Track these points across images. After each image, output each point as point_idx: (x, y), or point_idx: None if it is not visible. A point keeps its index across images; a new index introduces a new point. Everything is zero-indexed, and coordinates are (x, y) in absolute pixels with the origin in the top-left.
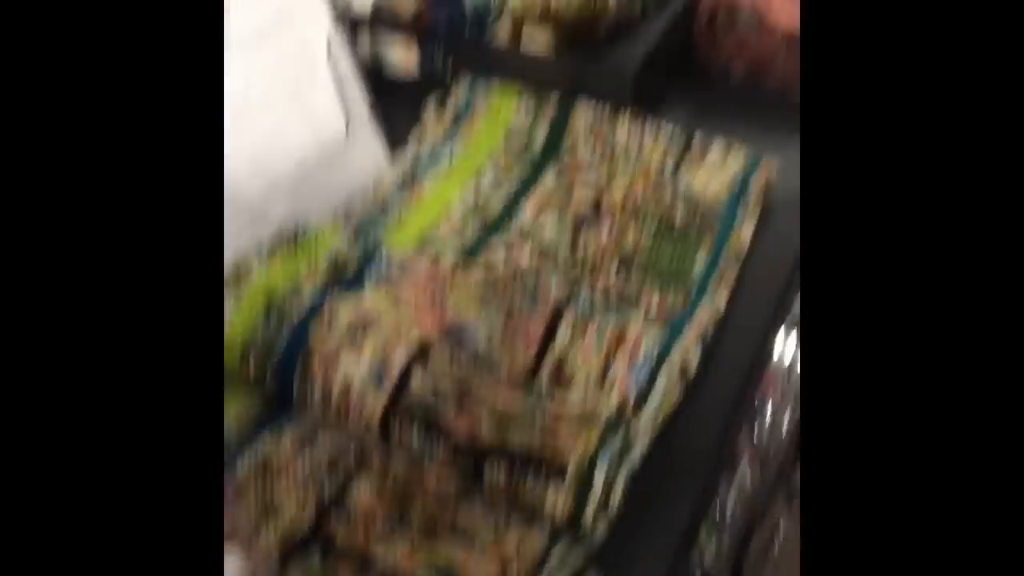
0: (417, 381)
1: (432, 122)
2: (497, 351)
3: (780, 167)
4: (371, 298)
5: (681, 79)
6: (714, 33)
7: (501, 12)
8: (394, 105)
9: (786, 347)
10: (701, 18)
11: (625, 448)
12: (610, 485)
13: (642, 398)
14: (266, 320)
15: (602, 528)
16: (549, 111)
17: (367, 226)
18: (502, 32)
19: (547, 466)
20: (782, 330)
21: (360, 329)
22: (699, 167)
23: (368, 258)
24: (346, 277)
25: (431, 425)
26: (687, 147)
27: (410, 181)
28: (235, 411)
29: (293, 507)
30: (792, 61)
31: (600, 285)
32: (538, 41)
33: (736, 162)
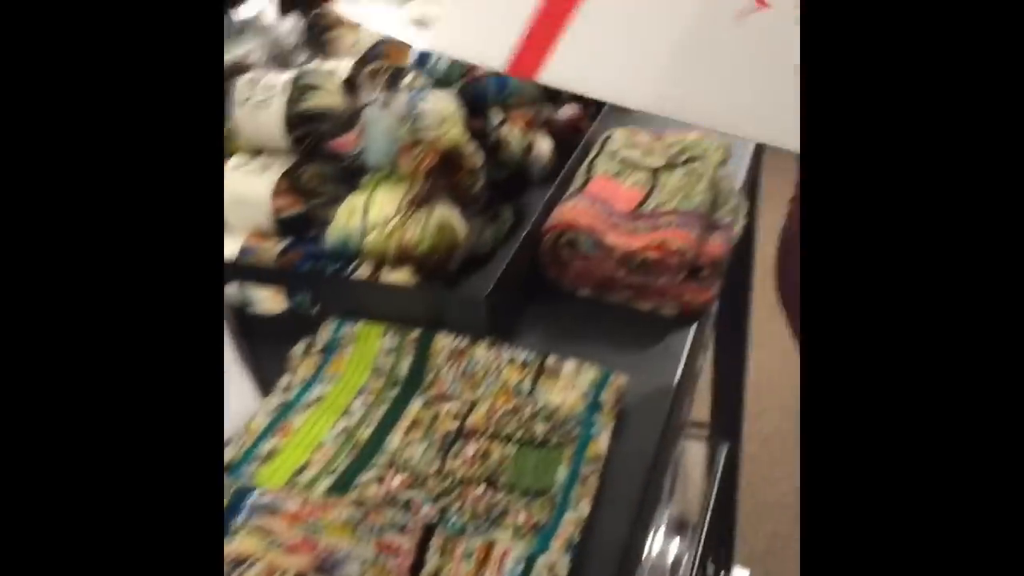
0: None
1: (300, 361)
2: None
3: (629, 377)
4: (244, 539)
5: (533, 301)
6: (559, 257)
7: (361, 252)
8: (263, 345)
9: (668, 548)
10: (546, 244)
11: None
12: None
13: None
14: None
15: None
16: (412, 343)
17: (238, 467)
18: (363, 270)
19: None
20: (662, 532)
21: (233, 571)
22: (555, 383)
23: (240, 499)
24: None
25: None
26: (542, 366)
27: (280, 420)
28: None
29: None
30: (630, 278)
31: (468, 504)
32: (397, 277)
33: (588, 376)
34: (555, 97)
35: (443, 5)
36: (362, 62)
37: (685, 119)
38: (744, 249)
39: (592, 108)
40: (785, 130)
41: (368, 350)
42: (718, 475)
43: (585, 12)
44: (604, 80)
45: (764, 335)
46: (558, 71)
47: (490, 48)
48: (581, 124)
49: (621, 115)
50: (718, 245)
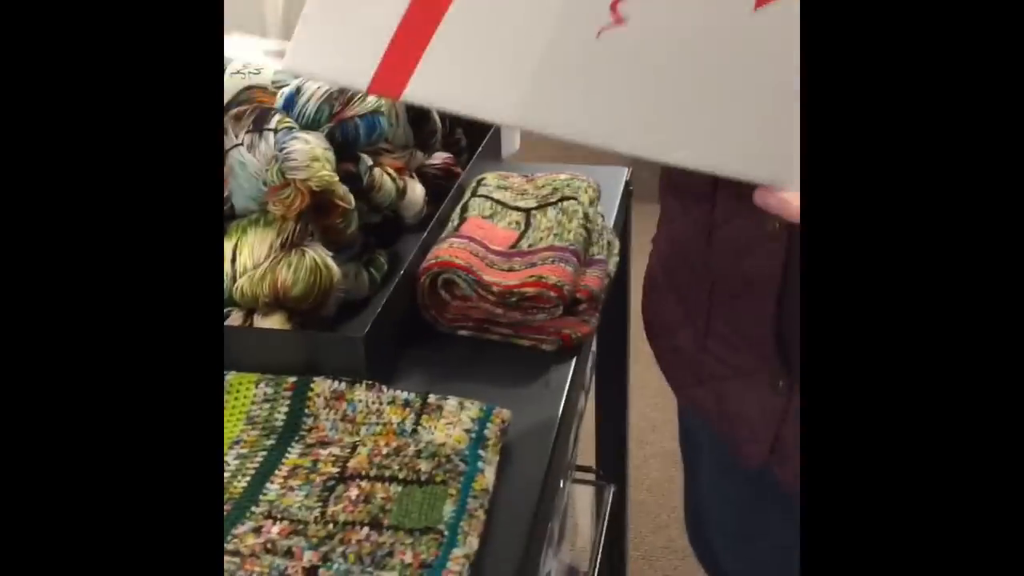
0: None
1: None
2: None
3: (512, 413)
4: None
5: (413, 344)
6: (437, 297)
7: (231, 299)
8: None
9: None
10: (423, 285)
11: None
12: None
13: None
14: None
15: None
16: (287, 390)
17: None
18: (233, 318)
19: None
20: None
21: None
22: (437, 421)
23: None
24: None
25: None
26: (424, 404)
27: None
28: None
29: None
30: (508, 315)
31: (352, 547)
32: (270, 323)
33: (471, 412)
34: (425, 144)
35: (300, 25)
36: (227, 107)
37: (550, 133)
38: (620, 291)
39: (464, 155)
40: (650, 143)
41: (242, 400)
42: (606, 517)
43: (447, 29)
44: (468, 96)
45: (641, 381)
46: (422, 88)
47: (351, 67)
48: (453, 169)
49: (493, 161)
50: (594, 279)
